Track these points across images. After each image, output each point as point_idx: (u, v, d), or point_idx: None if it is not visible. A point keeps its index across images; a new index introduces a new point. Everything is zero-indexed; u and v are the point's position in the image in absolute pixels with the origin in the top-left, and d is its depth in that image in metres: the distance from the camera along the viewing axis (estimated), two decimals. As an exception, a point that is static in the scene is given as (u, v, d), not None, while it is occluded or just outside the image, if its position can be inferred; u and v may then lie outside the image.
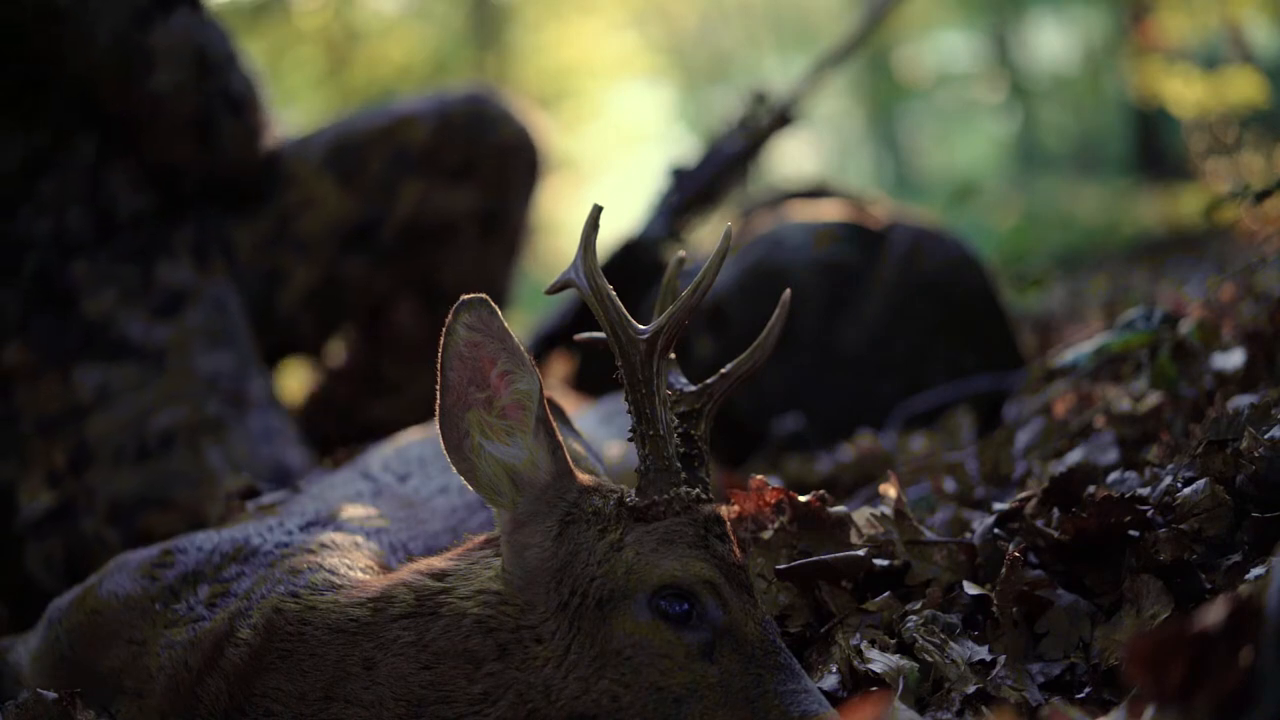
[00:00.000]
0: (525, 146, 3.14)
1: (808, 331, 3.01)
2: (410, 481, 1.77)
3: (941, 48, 17.73)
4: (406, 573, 1.40)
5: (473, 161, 3.07)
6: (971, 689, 1.38)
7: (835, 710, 1.27)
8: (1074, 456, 1.98)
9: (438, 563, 1.41)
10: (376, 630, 1.34)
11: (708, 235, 3.65)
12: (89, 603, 1.56)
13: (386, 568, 1.49)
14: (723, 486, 2.18)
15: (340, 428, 3.27)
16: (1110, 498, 1.55)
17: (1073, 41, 16.82)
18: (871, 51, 14.19)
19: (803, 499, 1.66)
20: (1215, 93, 6.60)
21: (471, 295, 1.33)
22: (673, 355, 1.43)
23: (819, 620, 1.56)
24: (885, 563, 1.61)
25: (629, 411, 1.36)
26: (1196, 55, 8.56)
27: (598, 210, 1.38)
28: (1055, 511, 1.65)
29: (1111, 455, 1.96)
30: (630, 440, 1.37)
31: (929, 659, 1.42)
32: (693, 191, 3.52)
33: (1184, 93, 6.76)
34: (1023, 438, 2.27)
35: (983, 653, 1.44)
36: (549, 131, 3.36)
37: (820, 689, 1.34)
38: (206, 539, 1.58)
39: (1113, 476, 1.78)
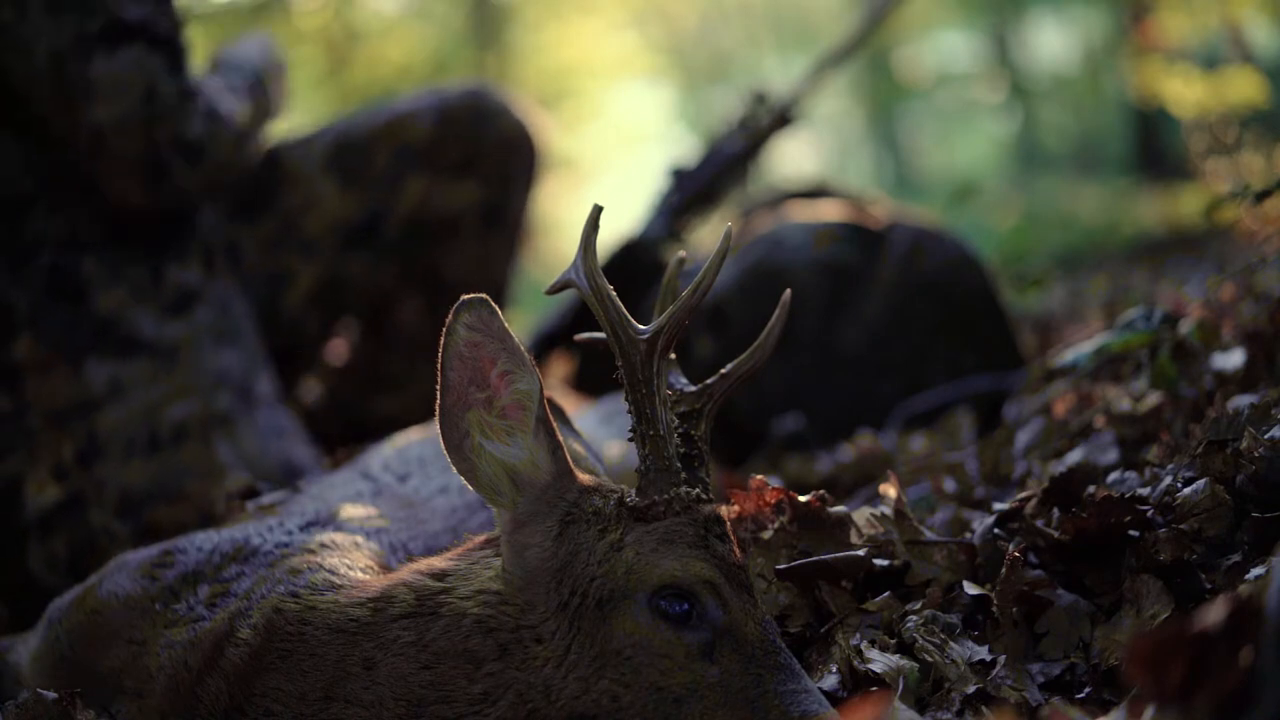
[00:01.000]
0: (525, 140, 3.15)
1: (808, 331, 3.02)
2: (410, 481, 1.77)
3: (941, 48, 17.72)
4: (406, 573, 1.40)
5: (474, 156, 3.08)
6: (971, 689, 1.38)
7: (835, 710, 1.27)
8: (1074, 456, 1.98)
9: (438, 563, 1.41)
10: (376, 630, 1.34)
11: (708, 235, 3.65)
12: (89, 603, 1.56)
13: (386, 568, 1.49)
14: (723, 486, 2.18)
15: (343, 424, 3.28)
16: (1110, 498, 1.55)
17: (1073, 41, 16.82)
18: (871, 51, 14.18)
19: (803, 499, 1.66)
20: (1215, 93, 6.60)
21: (472, 295, 1.33)
22: (673, 355, 1.43)
23: (819, 620, 1.56)
24: (885, 563, 1.61)
25: (629, 411, 1.36)
26: (1196, 55, 8.56)
27: (598, 210, 1.38)
28: (1055, 511, 1.65)
29: (1111, 455, 1.96)
30: (630, 440, 1.37)
31: (929, 659, 1.42)
32: (693, 192, 3.53)
33: (1184, 93, 6.77)
34: (1023, 438, 2.27)
35: (983, 653, 1.44)
36: (548, 126, 3.36)
37: (820, 689, 1.34)
38: (206, 539, 1.58)
39: (1113, 476, 1.78)
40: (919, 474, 2.18)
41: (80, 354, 2.55)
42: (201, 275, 2.75)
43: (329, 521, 1.60)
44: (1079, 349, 2.21)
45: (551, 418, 1.37)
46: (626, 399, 1.36)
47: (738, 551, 1.37)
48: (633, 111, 17.50)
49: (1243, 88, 6.54)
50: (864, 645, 1.46)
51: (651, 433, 1.35)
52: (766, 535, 1.65)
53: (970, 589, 1.54)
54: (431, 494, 1.73)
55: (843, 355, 3.03)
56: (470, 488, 1.37)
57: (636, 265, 3.37)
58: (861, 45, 4.01)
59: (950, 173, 16.79)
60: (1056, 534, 1.56)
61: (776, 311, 1.48)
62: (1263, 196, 2.16)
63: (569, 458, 1.38)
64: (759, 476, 1.72)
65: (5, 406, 2.50)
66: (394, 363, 3.25)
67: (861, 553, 1.60)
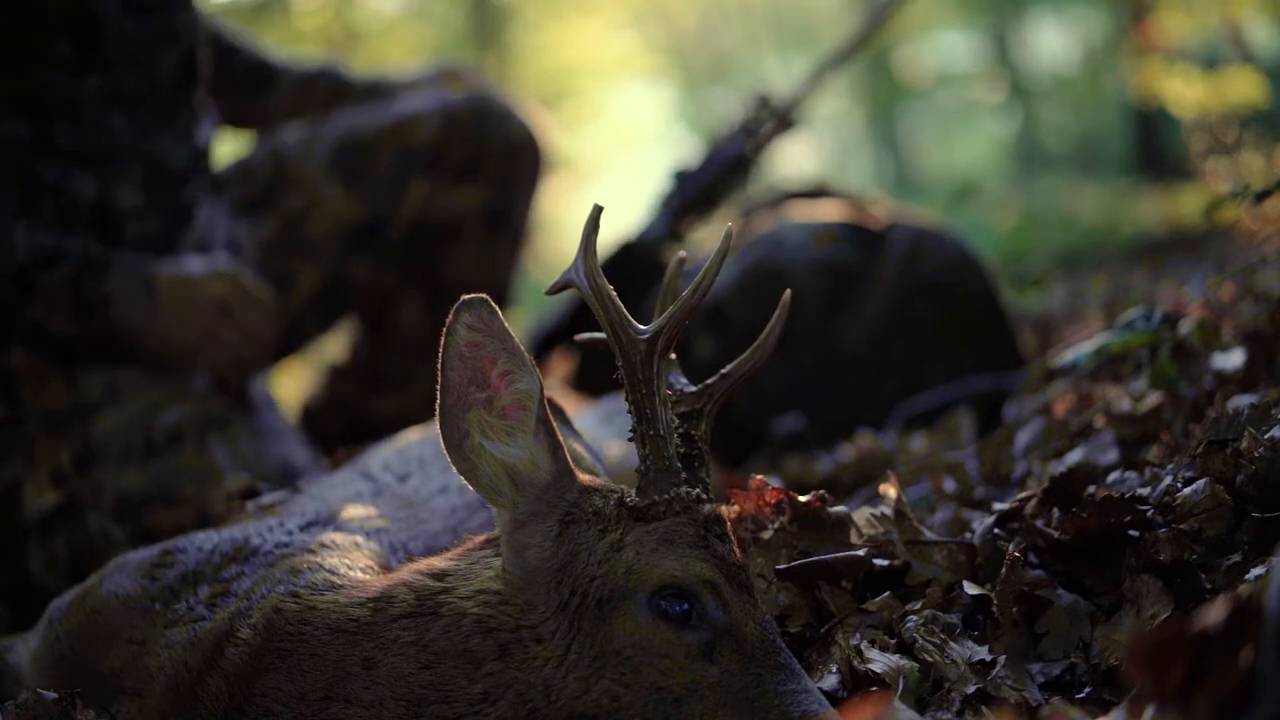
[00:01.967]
0: (529, 144, 3.14)
1: (808, 331, 3.02)
2: (410, 481, 1.77)
3: (941, 48, 17.72)
4: (406, 573, 1.40)
5: (478, 160, 3.08)
6: (971, 689, 1.38)
7: (835, 710, 1.27)
8: (1074, 456, 1.98)
9: (438, 563, 1.41)
10: (376, 630, 1.34)
11: (708, 235, 3.65)
12: (89, 603, 1.56)
13: (386, 568, 1.49)
14: (723, 486, 2.18)
15: (342, 425, 3.28)
16: (1110, 498, 1.55)
17: (1073, 41, 16.82)
18: (872, 52, 14.19)
19: (803, 499, 1.66)
20: (1215, 93, 6.60)
21: (472, 295, 1.33)
22: (673, 355, 1.43)
23: (819, 620, 1.56)
24: (885, 563, 1.61)
25: (629, 411, 1.36)
26: (1196, 55, 8.56)
27: (598, 210, 1.38)
28: (1055, 511, 1.65)
29: (1111, 455, 1.96)
30: (630, 440, 1.37)
31: (929, 659, 1.42)
32: (694, 193, 3.53)
33: (1184, 93, 6.77)
34: (1023, 438, 2.27)
35: (983, 653, 1.44)
36: (551, 128, 3.36)
37: (820, 689, 1.34)
38: (206, 539, 1.58)
39: (1113, 476, 1.78)
40: (919, 474, 2.18)
41: (75, 363, 2.55)
42: None
43: (329, 521, 1.60)
44: (1079, 349, 2.21)
45: (551, 418, 1.37)
46: (626, 399, 1.36)
47: (738, 551, 1.37)
48: (633, 111, 17.50)
49: (1243, 88, 6.54)
50: (864, 645, 1.46)
51: (651, 433, 1.35)
52: (766, 535, 1.65)
53: (970, 589, 1.54)
54: (431, 494, 1.73)
55: (843, 355, 3.03)
56: (470, 488, 1.37)
57: (637, 265, 3.36)
58: (862, 46, 4.01)
59: (950, 173, 16.79)
60: (1056, 534, 1.56)
61: (776, 312, 1.48)
62: (1263, 196, 2.16)
63: (569, 458, 1.38)
64: (759, 476, 1.72)
65: (2, 413, 2.51)
66: (394, 363, 3.25)
67: (861, 553, 1.60)
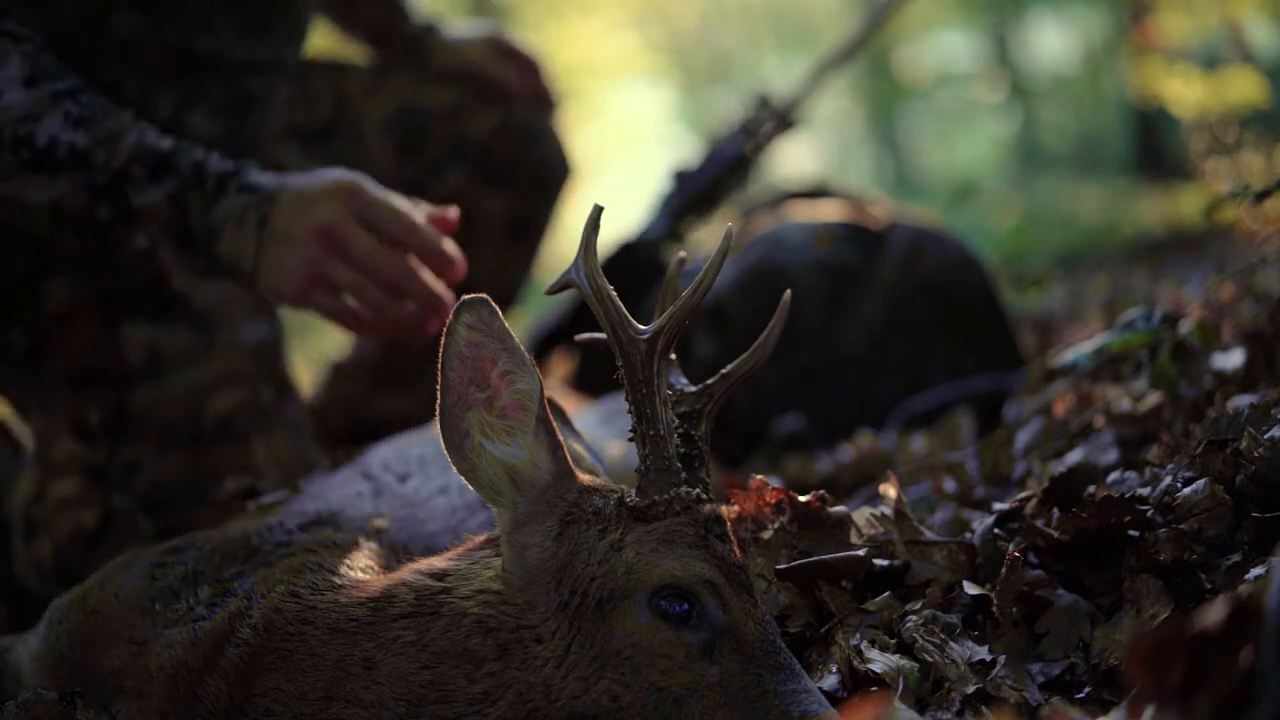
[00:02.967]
0: (561, 163, 3.11)
1: (808, 331, 3.01)
2: (410, 481, 1.77)
3: (941, 48, 17.73)
4: (407, 573, 1.40)
5: (512, 169, 3.03)
6: (971, 689, 1.38)
7: (835, 710, 1.27)
8: (1074, 456, 1.98)
9: (438, 562, 1.41)
10: (377, 630, 1.34)
11: (708, 235, 3.65)
12: (89, 602, 1.56)
13: (386, 568, 1.49)
14: (723, 486, 2.18)
15: (346, 424, 3.25)
16: (1110, 498, 1.55)
17: (1073, 41, 16.83)
18: (872, 52, 14.19)
19: (803, 499, 1.66)
20: (1215, 93, 6.61)
21: (472, 295, 1.33)
22: (673, 355, 1.43)
23: (819, 620, 1.56)
24: (885, 563, 1.61)
25: (629, 411, 1.36)
26: (1196, 55, 8.57)
27: (598, 210, 1.38)
28: (1055, 511, 1.65)
29: (1111, 455, 1.96)
30: (630, 440, 1.37)
31: (929, 659, 1.42)
32: (694, 193, 3.52)
33: (1184, 93, 6.78)
34: (1023, 438, 2.27)
35: (983, 653, 1.44)
36: (575, 144, 3.34)
37: (820, 689, 1.34)
38: (207, 539, 1.58)
39: (1113, 476, 1.78)
40: (919, 474, 2.18)
41: (115, 310, 2.38)
42: None
43: (329, 521, 1.60)
44: (1079, 349, 2.21)
45: (552, 418, 1.37)
46: (626, 399, 1.36)
47: (738, 551, 1.37)
48: (633, 111, 17.52)
49: (1243, 88, 6.55)
50: (864, 645, 1.46)
51: (651, 433, 1.35)
52: (766, 535, 1.65)
53: (970, 589, 1.54)
54: (431, 494, 1.73)
55: (842, 355, 3.03)
56: (470, 488, 1.37)
57: (637, 265, 3.36)
58: (863, 46, 4.01)
59: (950, 173, 16.80)
60: (1056, 534, 1.56)
61: (777, 312, 1.48)
62: (1263, 196, 2.16)
63: (569, 458, 1.38)
64: (759, 476, 1.72)
65: (24, 346, 2.35)
66: (401, 361, 3.23)
67: (861, 553, 1.60)
